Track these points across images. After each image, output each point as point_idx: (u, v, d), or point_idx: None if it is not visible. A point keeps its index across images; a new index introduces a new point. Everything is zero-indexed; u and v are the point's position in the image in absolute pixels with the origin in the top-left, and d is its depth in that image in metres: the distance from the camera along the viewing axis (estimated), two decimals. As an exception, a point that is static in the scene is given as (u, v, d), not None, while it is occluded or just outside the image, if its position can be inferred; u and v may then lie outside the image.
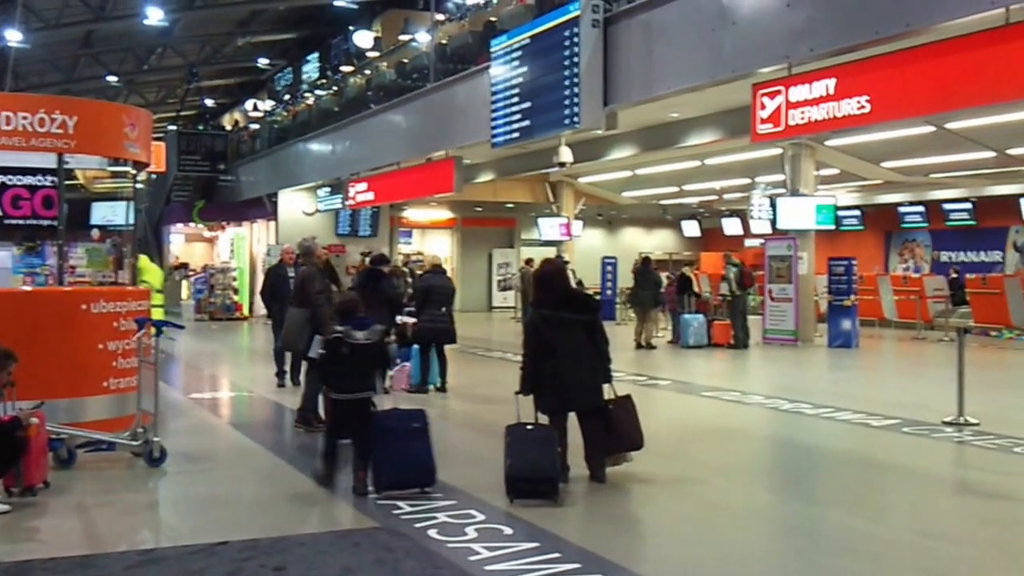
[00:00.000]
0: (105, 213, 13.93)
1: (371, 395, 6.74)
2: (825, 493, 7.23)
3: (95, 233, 13.94)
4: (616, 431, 6.84)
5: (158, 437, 7.29)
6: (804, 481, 7.67)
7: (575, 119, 13.28)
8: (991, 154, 17.97)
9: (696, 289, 18.25)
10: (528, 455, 6.30)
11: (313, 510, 6.40)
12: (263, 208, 27.60)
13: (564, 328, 6.73)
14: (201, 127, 35.72)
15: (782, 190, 18.50)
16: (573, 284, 18.45)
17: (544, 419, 6.69)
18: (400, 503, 6.19)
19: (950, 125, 15.91)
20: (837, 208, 18.49)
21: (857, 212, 26.82)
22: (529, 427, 6.52)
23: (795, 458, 8.66)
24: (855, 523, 6.13)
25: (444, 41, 19.58)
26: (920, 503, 6.69)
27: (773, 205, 18.09)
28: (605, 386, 6.87)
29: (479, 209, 29.95)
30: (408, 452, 6.47)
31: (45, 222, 10.15)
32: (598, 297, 24.73)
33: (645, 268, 18.09)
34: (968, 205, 24.23)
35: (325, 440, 6.91)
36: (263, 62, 32.36)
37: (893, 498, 6.92)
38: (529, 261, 21.04)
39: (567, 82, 13.34)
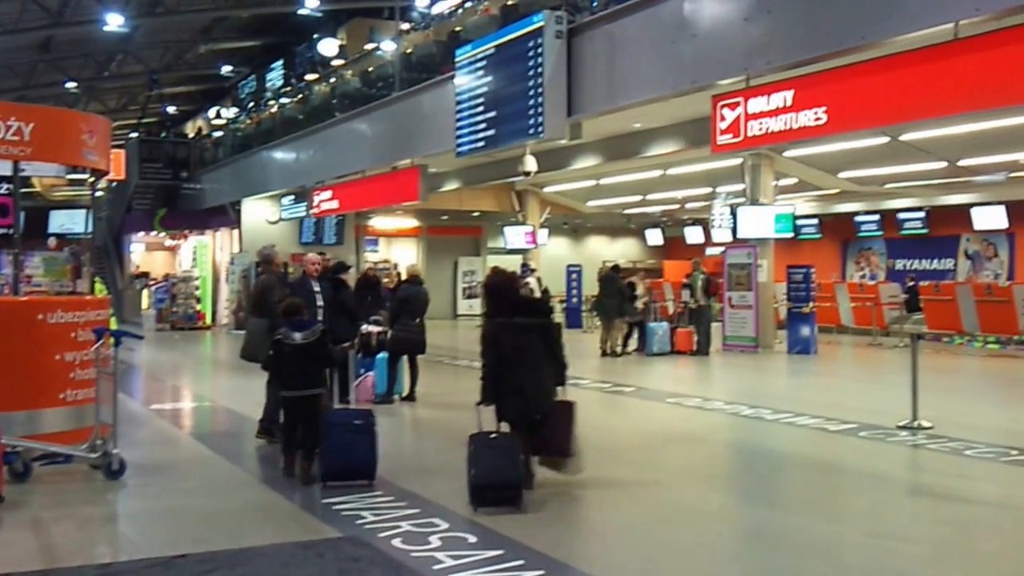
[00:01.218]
0: (63, 221, 13.81)
1: (318, 392, 7.33)
2: (784, 496, 7.34)
3: (52, 242, 13.79)
4: (549, 435, 6.88)
5: (117, 449, 7.24)
6: (764, 485, 7.79)
7: (539, 129, 13.34)
8: (942, 165, 18.31)
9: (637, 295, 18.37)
10: (492, 463, 6.37)
11: (275, 521, 6.37)
12: (226, 216, 27.40)
13: (520, 334, 6.79)
14: (163, 134, 35.40)
15: (742, 199, 18.72)
16: (539, 292, 18.60)
17: (506, 427, 6.74)
18: (363, 512, 6.21)
19: (904, 136, 16.19)
20: (795, 217, 18.70)
21: (815, 221, 27.18)
22: (492, 435, 6.57)
23: (755, 462, 8.78)
24: (813, 525, 6.25)
25: (409, 50, 19.61)
26: (876, 505, 6.82)
27: (734, 214, 18.28)
28: (559, 389, 6.95)
29: (445, 217, 29.97)
30: (350, 446, 7.04)
31: (0, 230, 10.03)
32: (563, 304, 24.90)
33: (610, 276, 18.09)
34: (921, 214, 24.66)
35: (283, 434, 7.56)
36: (226, 69, 32.15)
37: (850, 500, 7.06)
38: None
39: (531, 92, 13.41)
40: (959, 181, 20.17)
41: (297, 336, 7.26)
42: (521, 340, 6.77)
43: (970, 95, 8.91)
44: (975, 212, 23.04)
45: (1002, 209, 22.45)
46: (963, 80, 8.82)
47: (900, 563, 5.45)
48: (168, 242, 33.14)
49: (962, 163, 18.10)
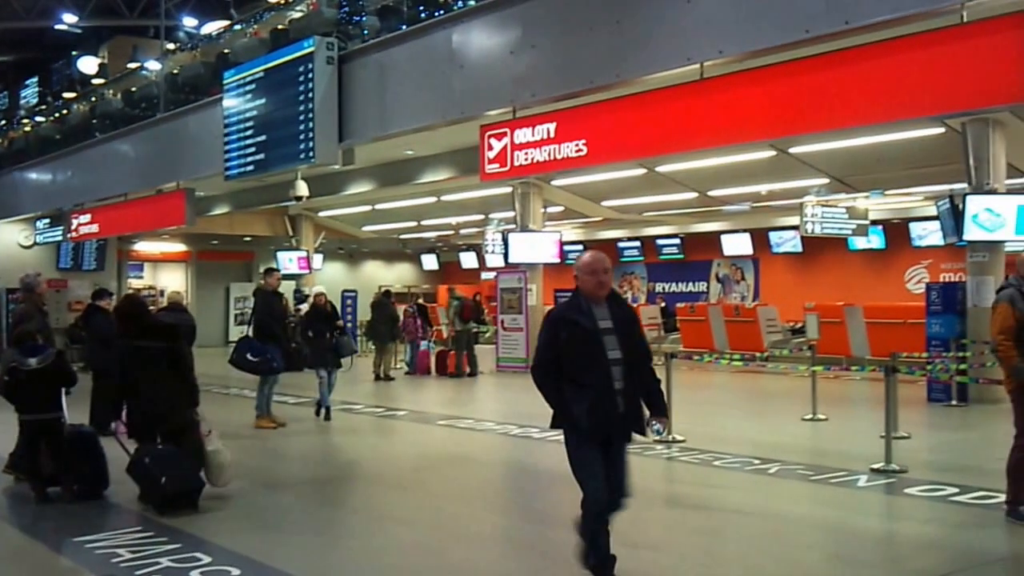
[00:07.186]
0: None
1: (59, 416, 7.46)
2: (549, 512, 7.57)
3: None
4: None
5: None
6: (530, 502, 8.05)
7: (310, 154, 13.28)
8: (695, 195, 19.73)
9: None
10: (176, 470, 6.87)
11: (22, 565, 5.99)
12: (-28, 241, 25.27)
13: (144, 357, 7.14)
14: None
15: (513, 226, 19.34)
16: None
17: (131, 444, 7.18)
18: (120, 550, 5.94)
19: (659, 168, 17.29)
20: (563, 243, 19.51)
21: (581, 247, 28.45)
22: (160, 446, 7.03)
23: (523, 480, 9.07)
24: (573, 539, 6.54)
25: (175, 71, 18.94)
26: (633, 517, 7.13)
27: (505, 240, 18.85)
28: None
29: (215, 242, 29.01)
30: (99, 461, 7.52)
31: None
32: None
33: (382, 301, 18.35)
34: (677, 241, 26.48)
35: (27, 463, 7.49)
36: (-29, 83, 29.78)
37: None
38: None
39: (302, 117, 13.33)
40: (710, 210, 21.80)
41: (32, 361, 7.33)
42: (145, 362, 7.13)
43: (715, 131, 9.70)
44: (725, 239, 25.00)
45: (747, 236, 24.49)
46: (709, 117, 9.58)
47: (652, 572, 5.80)
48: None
49: (712, 194, 19.55)
